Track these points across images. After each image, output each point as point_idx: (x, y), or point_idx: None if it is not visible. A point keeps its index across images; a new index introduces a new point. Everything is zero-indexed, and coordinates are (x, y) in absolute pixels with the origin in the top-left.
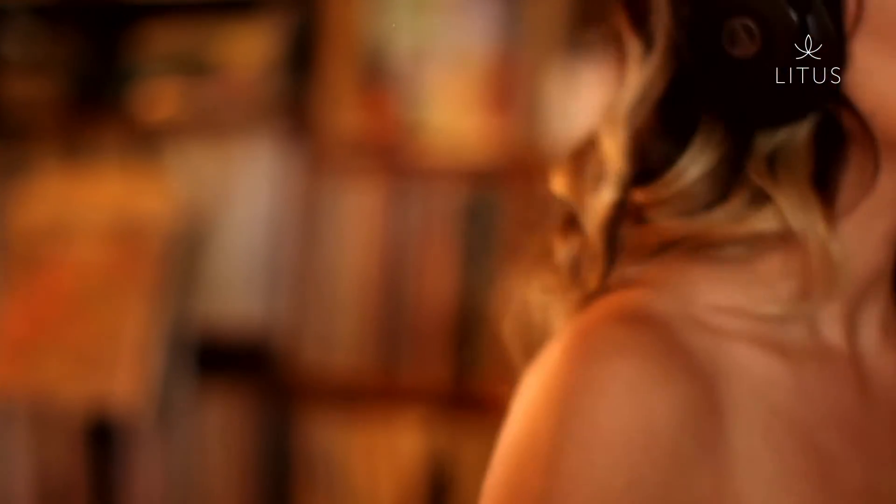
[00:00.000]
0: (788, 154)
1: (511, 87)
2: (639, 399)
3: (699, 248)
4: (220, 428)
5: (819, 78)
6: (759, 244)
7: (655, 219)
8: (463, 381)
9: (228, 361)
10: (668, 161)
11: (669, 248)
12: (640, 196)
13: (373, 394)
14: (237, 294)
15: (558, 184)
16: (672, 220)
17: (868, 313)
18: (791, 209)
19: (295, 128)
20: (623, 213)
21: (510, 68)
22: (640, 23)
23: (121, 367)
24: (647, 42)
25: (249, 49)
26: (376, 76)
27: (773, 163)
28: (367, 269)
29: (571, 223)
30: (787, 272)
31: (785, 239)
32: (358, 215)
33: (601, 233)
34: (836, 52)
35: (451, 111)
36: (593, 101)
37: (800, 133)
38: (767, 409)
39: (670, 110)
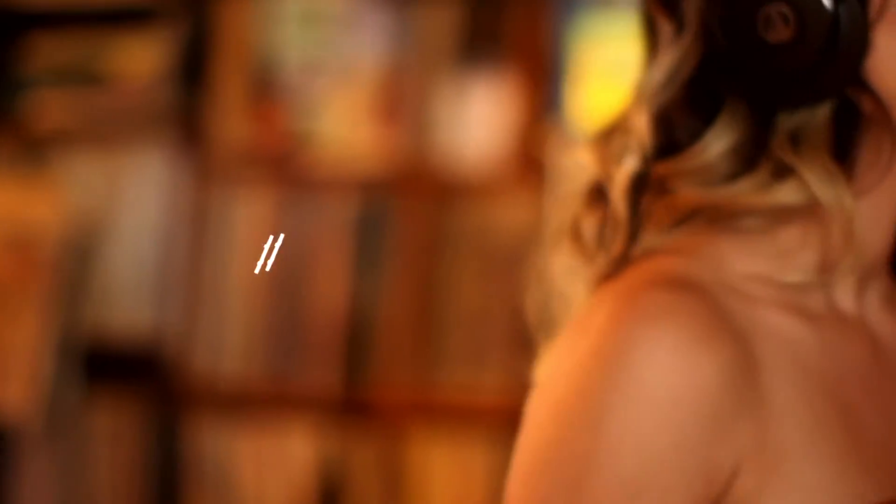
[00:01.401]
0: (810, 132)
1: (401, 99)
2: (685, 359)
3: (720, 219)
4: (109, 435)
5: (845, 64)
6: (778, 217)
7: (678, 190)
8: (353, 388)
9: (119, 369)
10: (694, 136)
11: (690, 219)
12: (664, 168)
13: (263, 401)
14: (127, 302)
15: (586, 157)
16: (695, 190)
17: (872, 285)
18: (818, 182)
19: (186, 138)
20: (647, 184)
21: (400, 80)
22: (671, 5)
23: (11, 375)
24: (678, 23)
25: (141, 59)
26: (267, 87)
27: (795, 140)
28: (258, 278)
29: (597, 194)
30: (806, 244)
31: (804, 212)
32: (248, 225)
33: (625, 202)
34: (862, 39)
35: (341, 122)
36: (482, 113)
37: (821, 113)
38: (797, 366)
39: (697, 88)
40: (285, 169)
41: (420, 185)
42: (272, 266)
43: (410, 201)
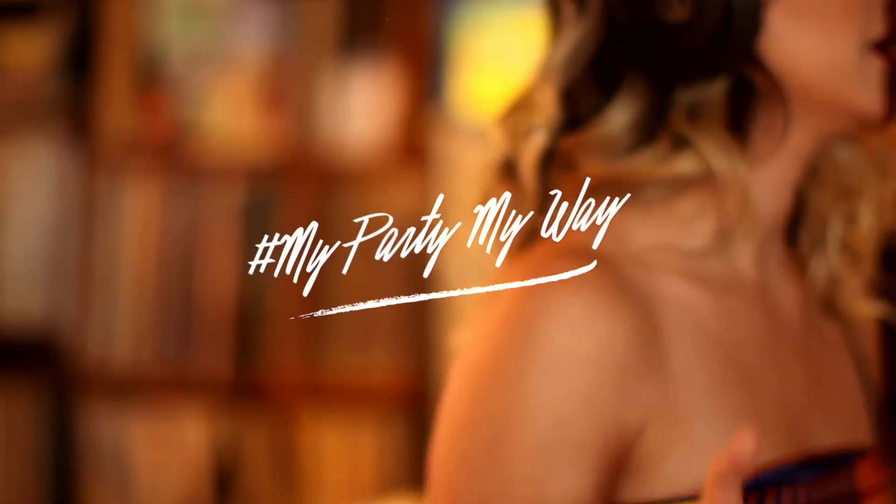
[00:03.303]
0: (706, 106)
1: (285, 89)
2: (591, 324)
3: (623, 191)
4: (3, 422)
5: (739, 42)
6: (677, 187)
7: (583, 163)
8: (243, 371)
9: (11, 357)
10: (597, 111)
11: (596, 192)
12: (569, 142)
13: (156, 386)
14: (19, 291)
15: (495, 133)
16: (599, 162)
17: (771, 251)
18: (713, 154)
19: (73, 128)
20: (554, 159)
21: (284, 70)
22: None
23: None
24: (581, 3)
25: (27, 51)
26: (153, 78)
27: (692, 113)
28: (147, 266)
29: (508, 169)
30: (704, 212)
31: (702, 182)
32: (137, 213)
33: (534, 176)
34: (755, 19)
35: (226, 112)
36: (365, 102)
37: (717, 89)
38: (698, 331)
39: (600, 65)
40: (172, 158)
41: (305, 173)
42: (162, 253)
43: (296, 188)
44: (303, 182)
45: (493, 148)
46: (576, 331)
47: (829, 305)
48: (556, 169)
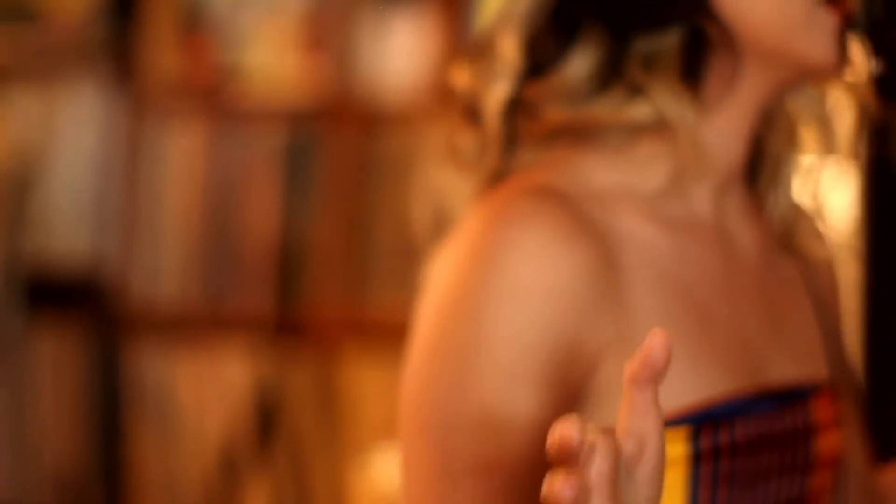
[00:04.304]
0: (661, 55)
1: (326, 31)
2: (549, 257)
3: (584, 136)
4: (51, 362)
5: None
6: (635, 132)
7: (545, 110)
8: (286, 309)
9: (59, 297)
10: (556, 60)
11: (558, 137)
12: (531, 90)
13: (200, 324)
14: (66, 232)
15: (460, 79)
16: (560, 110)
17: (730, 196)
18: (664, 100)
19: (119, 72)
20: (517, 106)
21: (325, 13)
22: None
23: None
24: None
25: None
26: (197, 21)
27: (647, 62)
28: (191, 206)
29: (473, 115)
30: (660, 156)
31: (657, 128)
32: (181, 154)
33: (498, 122)
34: None
35: (268, 55)
36: (404, 44)
37: (671, 38)
38: (655, 270)
39: (560, 15)
40: (215, 100)
41: (345, 114)
42: (205, 193)
43: (336, 130)
44: (343, 123)
45: (457, 93)
46: (534, 263)
47: (786, 246)
48: (519, 115)
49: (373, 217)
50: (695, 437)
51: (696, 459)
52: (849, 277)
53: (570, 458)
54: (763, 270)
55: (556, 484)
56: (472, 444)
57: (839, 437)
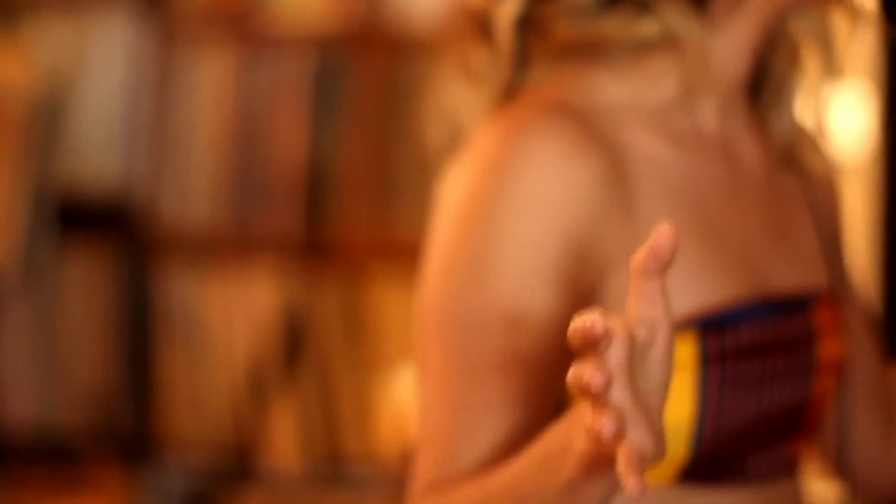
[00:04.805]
0: None
1: None
2: (562, 168)
3: (594, 53)
4: (82, 283)
5: None
6: (643, 49)
7: (556, 27)
8: (314, 231)
9: (89, 220)
10: None
11: (569, 54)
12: (541, 7)
13: (228, 247)
14: (96, 156)
15: None
16: (569, 26)
17: (734, 112)
18: (672, 17)
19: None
20: (528, 22)
21: None
22: None
23: None
24: None
25: None
26: None
27: None
28: (220, 130)
29: (486, 32)
30: (668, 72)
31: (665, 44)
32: (210, 80)
33: (510, 38)
34: None
35: None
36: None
37: None
38: (663, 182)
39: None
40: (244, 26)
41: (373, 40)
42: (234, 118)
43: (364, 55)
44: (371, 49)
45: (469, 9)
46: (547, 173)
47: (788, 162)
48: (531, 32)
49: (400, 141)
50: (702, 342)
51: (705, 363)
52: (858, 198)
53: (592, 347)
54: (766, 185)
55: (585, 372)
56: (490, 342)
57: (841, 343)
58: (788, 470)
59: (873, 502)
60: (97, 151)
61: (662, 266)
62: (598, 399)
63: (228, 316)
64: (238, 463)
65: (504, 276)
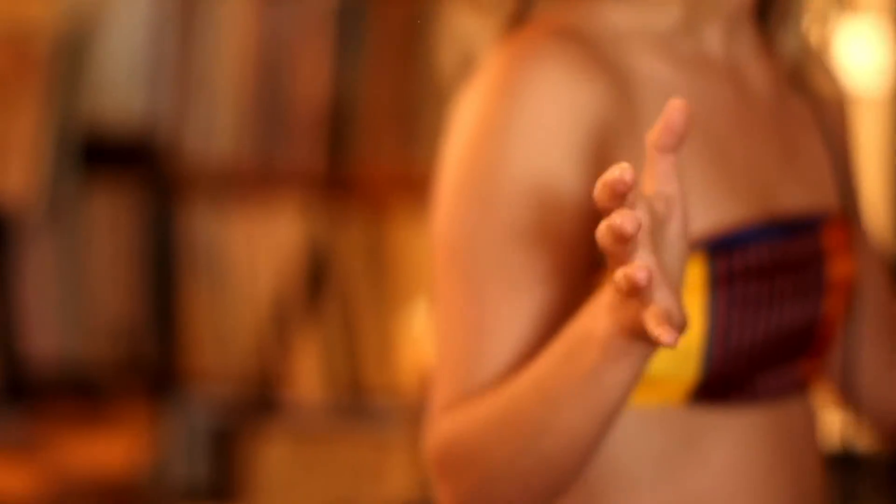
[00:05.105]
0: None
1: None
2: (569, 90)
3: None
4: (106, 219)
5: None
6: None
7: None
8: (337, 166)
9: (113, 157)
10: None
11: None
12: None
13: (251, 182)
14: (120, 93)
15: None
16: None
17: (740, 35)
18: None
19: None
20: None
21: None
22: None
23: (11, 165)
24: None
25: None
26: None
27: None
28: (244, 66)
29: None
30: None
31: None
32: (234, 15)
33: None
34: None
35: None
36: None
37: None
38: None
39: None
40: None
41: None
42: (258, 54)
43: None
44: None
45: None
46: (553, 96)
47: (796, 85)
48: None
49: (422, 75)
50: (711, 263)
51: (714, 284)
52: (874, 133)
53: (620, 201)
54: (774, 107)
55: (618, 216)
56: (500, 253)
57: (850, 264)
58: (798, 390)
59: (877, 427)
60: (121, 88)
61: (677, 141)
62: (629, 247)
63: (252, 250)
64: (261, 396)
65: (511, 203)
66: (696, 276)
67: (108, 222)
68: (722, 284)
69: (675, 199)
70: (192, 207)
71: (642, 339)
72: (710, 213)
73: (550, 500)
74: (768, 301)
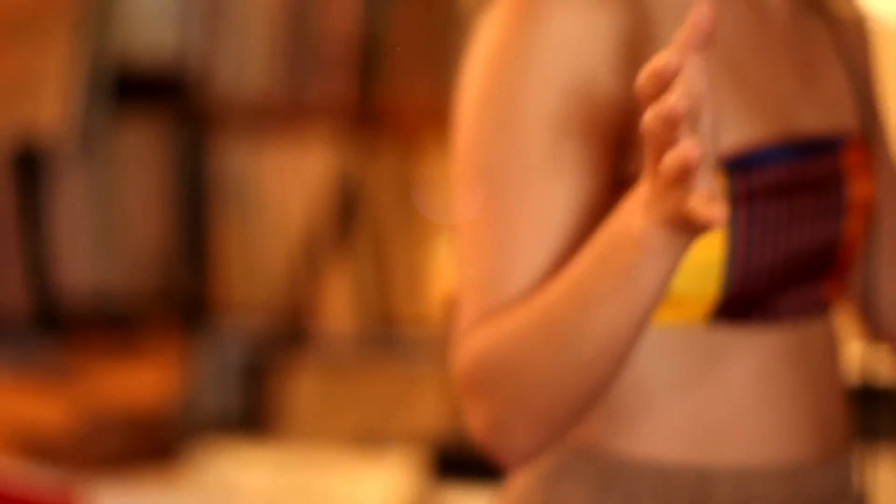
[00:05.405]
0: None
1: None
2: (588, 11)
3: None
4: (138, 152)
5: None
6: None
7: None
8: (367, 99)
9: (145, 90)
10: None
11: None
12: None
13: (282, 116)
14: (152, 27)
15: None
16: None
17: None
18: None
19: None
20: None
21: None
22: None
23: (44, 99)
24: None
25: None
26: None
27: None
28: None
29: None
30: None
31: None
32: None
33: None
34: None
35: None
36: None
37: None
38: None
39: None
40: None
41: None
42: None
43: None
44: None
45: None
46: (573, 18)
47: (815, 6)
48: None
49: (453, 7)
50: (729, 182)
51: (733, 202)
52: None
53: (665, 87)
54: (791, 28)
55: (667, 100)
56: (521, 167)
57: (870, 185)
58: (820, 311)
59: None
60: (153, 21)
61: (705, 39)
62: (678, 132)
63: (283, 182)
64: (292, 327)
65: (533, 121)
66: None
67: (140, 155)
68: (741, 203)
69: (704, 97)
70: (223, 140)
71: (683, 230)
72: (728, 132)
73: (583, 411)
74: (788, 220)
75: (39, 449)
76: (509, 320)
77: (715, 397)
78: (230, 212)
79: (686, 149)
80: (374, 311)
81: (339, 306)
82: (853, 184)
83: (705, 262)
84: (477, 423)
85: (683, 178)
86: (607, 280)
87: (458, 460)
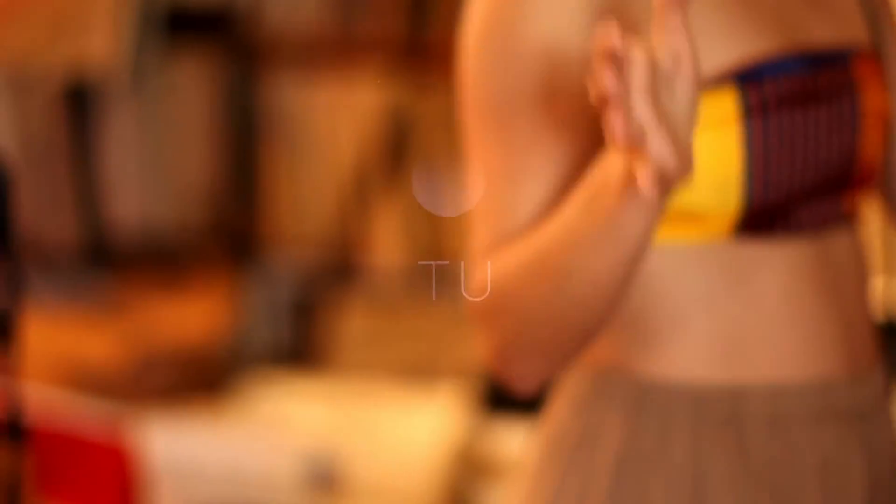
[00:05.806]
0: None
1: None
2: None
3: None
4: (188, 87)
5: None
6: None
7: None
8: (418, 34)
9: (196, 24)
10: None
11: None
12: None
13: (333, 51)
14: None
15: None
16: None
17: None
18: None
19: None
20: None
21: None
22: None
23: (95, 34)
24: None
25: None
26: None
27: None
28: None
29: None
30: None
31: None
32: None
33: None
34: None
35: None
36: None
37: None
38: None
39: None
40: None
41: None
42: None
43: None
44: None
45: None
46: None
47: None
48: None
49: None
50: (742, 95)
51: (747, 115)
52: None
53: (612, 61)
54: None
55: (602, 76)
56: (525, 99)
57: (884, 97)
58: (843, 223)
59: None
60: None
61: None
62: (617, 106)
63: (333, 117)
64: (342, 262)
65: (530, 52)
66: (728, 109)
67: (190, 90)
68: (756, 115)
69: (684, 53)
70: (273, 75)
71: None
72: (738, 46)
73: (584, 342)
74: (803, 132)
75: (90, 382)
76: (511, 255)
77: (743, 313)
78: (280, 147)
79: (618, 127)
80: (423, 245)
81: (388, 241)
82: (866, 95)
83: (725, 177)
84: (485, 349)
85: (621, 148)
86: (593, 226)
87: (507, 394)
